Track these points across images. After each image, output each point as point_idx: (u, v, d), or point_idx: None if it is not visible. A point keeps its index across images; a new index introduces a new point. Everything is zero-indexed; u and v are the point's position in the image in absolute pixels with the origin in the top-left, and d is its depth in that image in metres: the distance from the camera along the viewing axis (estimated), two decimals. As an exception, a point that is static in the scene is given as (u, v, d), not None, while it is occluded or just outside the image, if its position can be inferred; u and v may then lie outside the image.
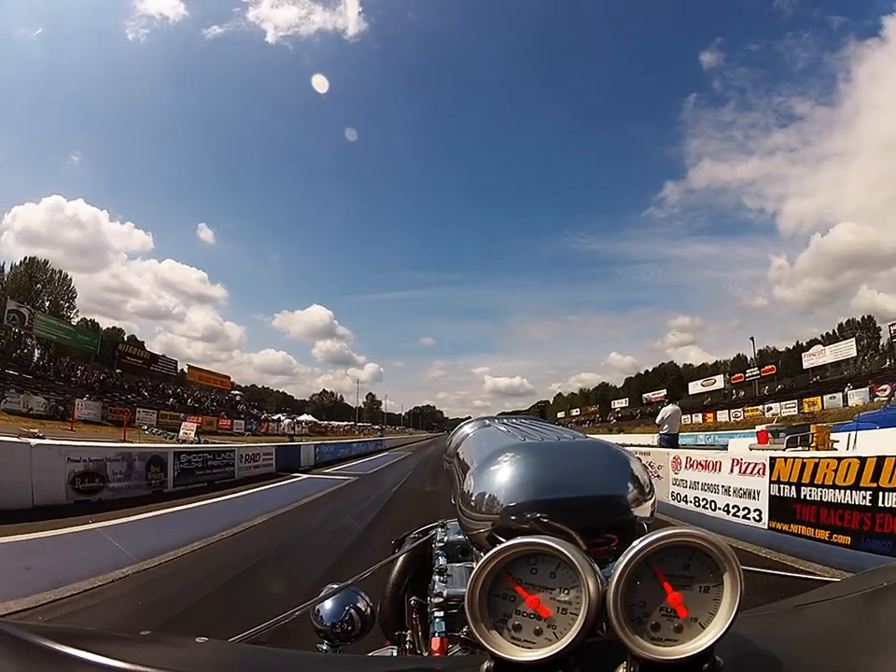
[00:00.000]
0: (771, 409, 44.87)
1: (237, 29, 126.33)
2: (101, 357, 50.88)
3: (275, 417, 46.85)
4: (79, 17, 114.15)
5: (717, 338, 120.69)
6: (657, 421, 12.14)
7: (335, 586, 0.97)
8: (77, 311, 59.10)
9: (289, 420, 23.07)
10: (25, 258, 56.57)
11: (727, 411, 50.82)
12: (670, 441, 12.07)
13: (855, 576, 0.85)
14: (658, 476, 9.63)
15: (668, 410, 12.10)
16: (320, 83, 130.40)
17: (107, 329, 64.58)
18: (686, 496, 8.70)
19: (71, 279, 58.70)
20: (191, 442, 21.38)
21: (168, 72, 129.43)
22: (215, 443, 21.01)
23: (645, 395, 75.71)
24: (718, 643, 0.45)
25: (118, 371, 48.95)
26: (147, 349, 59.03)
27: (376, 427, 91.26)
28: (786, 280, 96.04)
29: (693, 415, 55.31)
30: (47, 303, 54.80)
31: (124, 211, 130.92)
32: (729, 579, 0.47)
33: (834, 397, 39.43)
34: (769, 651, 0.51)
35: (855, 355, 47.92)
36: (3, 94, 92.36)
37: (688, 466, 8.83)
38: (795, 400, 42.82)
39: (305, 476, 14.39)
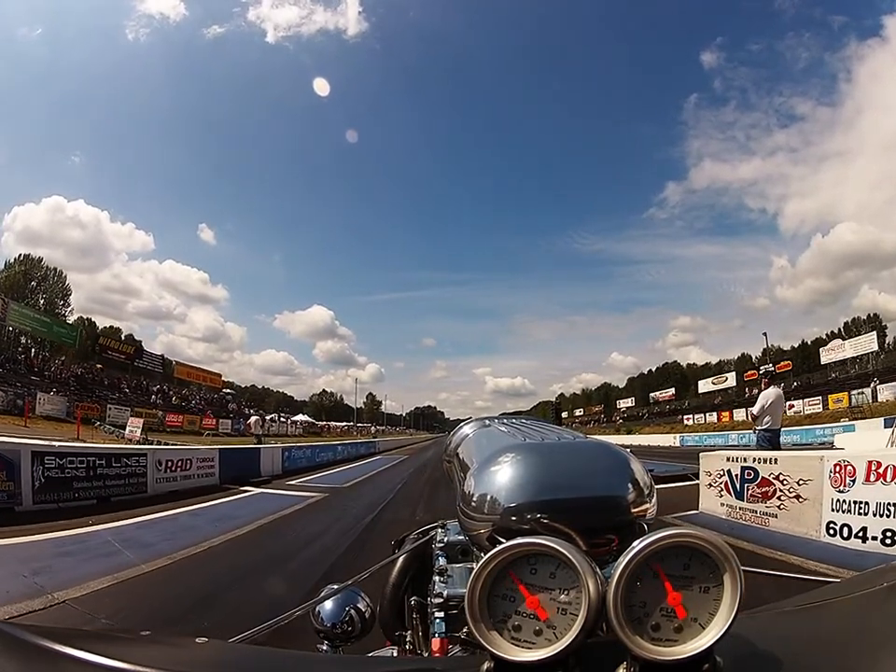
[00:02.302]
0: (793, 406, 40.95)
1: (238, 29, 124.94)
2: (88, 351, 49.29)
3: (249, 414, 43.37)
4: (80, 17, 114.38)
5: (718, 338, 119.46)
6: (754, 412, 8.08)
7: (335, 586, 0.95)
8: (72, 309, 58.08)
9: (256, 418, 18.82)
10: (20, 255, 55.60)
11: (744, 409, 46.68)
12: (772, 440, 7.91)
13: (855, 576, 0.85)
14: (799, 498, 6.01)
15: (770, 395, 8.04)
16: (321, 86, 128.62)
17: (105, 328, 63.74)
18: (865, 529, 5.17)
19: (66, 277, 57.76)
20: (137, 442, 17.51)
21: (169, 72, 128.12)
22: (172, 443, 16.95)
23: (652, 394, 72.06)
24: (718, 643, 0.45)
25: (98, 365, 44.93)
26: (131, 343, 55.39)
27: (379, 427, 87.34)
28: (787, 280, 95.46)
29: (707, 414, 51.52)
30: (41, 301, 53.65)
31: (125, 212, 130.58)
32: (729, 579, 0.46)
33: (862, 392, 37.14)
34: (769, 650, 0.51)
35: (876, 349, 46.08)
36: (3, 94, 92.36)
37: (873, 477, 4.77)
38: (819, 397, 38.73)
39: (257, 491, 10.89)
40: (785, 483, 6.12)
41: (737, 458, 6.90)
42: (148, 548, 5.67)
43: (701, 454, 7.77)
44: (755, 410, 8.46)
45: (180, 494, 9.81)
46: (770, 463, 6.35)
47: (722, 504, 7.04)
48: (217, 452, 11.92)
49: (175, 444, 16.75)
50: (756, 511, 6.48)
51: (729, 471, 6.95)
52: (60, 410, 31.74)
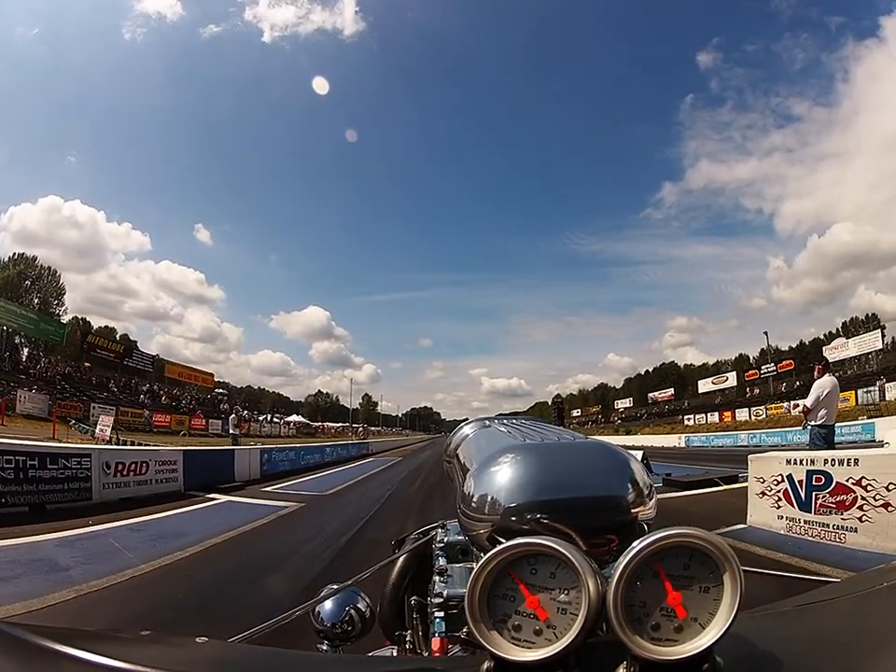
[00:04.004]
0: (798, 406, 39.34)
1: (234, 28, 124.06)
2: (81, 351, 47.61)
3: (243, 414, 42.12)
4: (77, 17, 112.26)
5: (714, 339, 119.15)
6: (808, 403, 6.76)
7: (335, 586, 0.94)
8: (66, 308, 57.21)
9: (233, 416, 16.80)
10: (14, 254, 55.03)
11: (747, 409, 45.69)
12: (827, 437, 6.60)
13: (855, 576, 0.85)
14: (888, 507, 4.90)
15: (825, 384, 6.75)
16: (318, 86, 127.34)
17: (99, 328, 62.49)
18: None
19: (60, 276, 56.72)
20: (107, 442, 16.08)
21: (166, 71, 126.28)
22: (146, 444, 15.60)
23: (650, 394, 70.93)
24: (718, 643, 0.44)
25: (87, 364, 43.56)
26: (121, 342, 54.05)
27: (372, 428, 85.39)
28: (784, 280, 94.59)
29: (709, 414, 50.45)
30: (36, 300, 52.82)
31: (122, 212, 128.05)
32: (729, 579, 0.46)
33: (870, 391, 36.00)
34: (769, 650, 0.50)
35: (881, 347, 45.09)
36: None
37: None
38: (825, 396, 37.49)
39: (223, 499, 9.54)
40: (869, 489, 4.88)
41: (802, 461, 5.59)
42: (55, 575, 4.55)
43: (750, 456, 6.43)
44: (809, 401, 7.16)
45: (134, 502, 8.71)
46: (849, 465, 5.05)
47: (780, 516, 5.73)
48: (181, 454, 10.47)
49: (149, 445, 15.36)
50: (828, 525, 5.22)
51: (790, 476, 5.65)
52: (41, 408, 30.86)
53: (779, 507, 5.78)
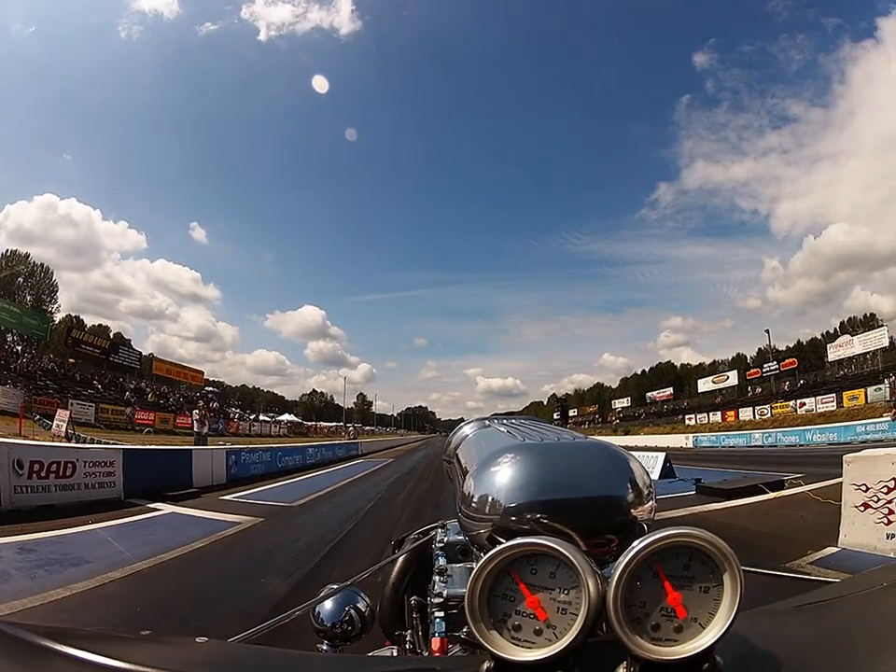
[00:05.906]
0: (804, 404, 38.48)
1: (231, 27, 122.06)
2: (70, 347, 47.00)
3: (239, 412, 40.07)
4: (73, 14, 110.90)
5: (709, 339, 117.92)
6: None
7: (335, 586, 0.93)
8: (60, 306, 56.18)
9: (195, 411, 14.51)
10: (7, 251, 54.34)
11: (751, 408, 44.32)
12: None
13: (855, 576, 0.85)
14: None
15: None
16: (319, 84, 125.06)
17: (93, 326, 61.51)
18: None
19: (53, 273, 55.83)
20: (62, 438, 14.48)
21: (162, 70, 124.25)
22: (112, 442, 13.96)
23: (649, 394, 69.52)
24: (718, 643, 0.44)
25: (71, 360, 41.93)
26: (106, 338, 52.44)
27: (367, 427, 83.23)
28: (779, 281, 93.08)
29: (710, 414, 49.07)
30: (28, 298, 52.18)
31: (118, 210, 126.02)
32: (729, 579, 0.46)
33: (880, 388, 35.11)
34: (769, 650, 0.50)
35: (887, 345, 45.71)
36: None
37: None
38: (833, 395, 36.55)
39: (167, 510, 7.98)
40: None
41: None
42: None
43: (846, 456, 4.88)
44: None
45: (57, 510, 7.38)
46: None
47: (891, 535, 4.15)
48: (121, 453, 8.88)
49: (110, 442, 13.70)
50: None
51: (910, 482, 4.04)
52: (15, 404, 29.37)
53: (889, 522, 4.25)
